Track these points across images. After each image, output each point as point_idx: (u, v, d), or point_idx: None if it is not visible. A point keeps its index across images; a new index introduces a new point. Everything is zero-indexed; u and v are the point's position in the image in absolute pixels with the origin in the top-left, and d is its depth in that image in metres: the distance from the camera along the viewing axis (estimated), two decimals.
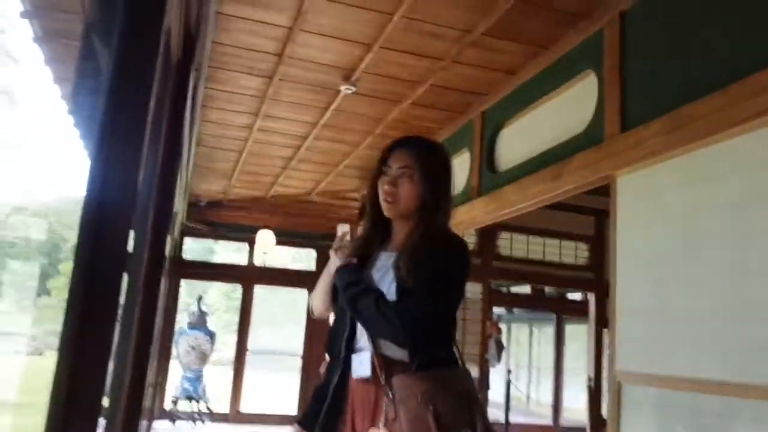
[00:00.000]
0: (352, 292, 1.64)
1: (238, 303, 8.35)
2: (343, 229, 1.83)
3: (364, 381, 1.60)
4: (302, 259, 9.26)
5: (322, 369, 2.16)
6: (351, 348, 1.67)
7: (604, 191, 2.81)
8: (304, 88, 4.19)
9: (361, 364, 1.61)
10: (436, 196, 1.69)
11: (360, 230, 1.83)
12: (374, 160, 1.80)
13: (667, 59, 2.52)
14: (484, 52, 3.53)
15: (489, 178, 3.95)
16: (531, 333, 12.63)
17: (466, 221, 4.12)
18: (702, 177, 2.26)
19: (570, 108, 3.23)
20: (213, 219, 7.84)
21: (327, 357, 2.05)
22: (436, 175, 1.71)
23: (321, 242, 8.17)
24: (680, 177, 2.36)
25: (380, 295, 1.59)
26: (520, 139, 3.73)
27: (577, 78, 3.20)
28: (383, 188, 1.69)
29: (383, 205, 1.70)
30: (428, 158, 1.72)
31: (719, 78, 2.21)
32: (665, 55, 2.54)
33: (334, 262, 1.75)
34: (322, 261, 7.84)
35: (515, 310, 11.53)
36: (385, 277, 1.66)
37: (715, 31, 2.30)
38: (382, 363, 1.58)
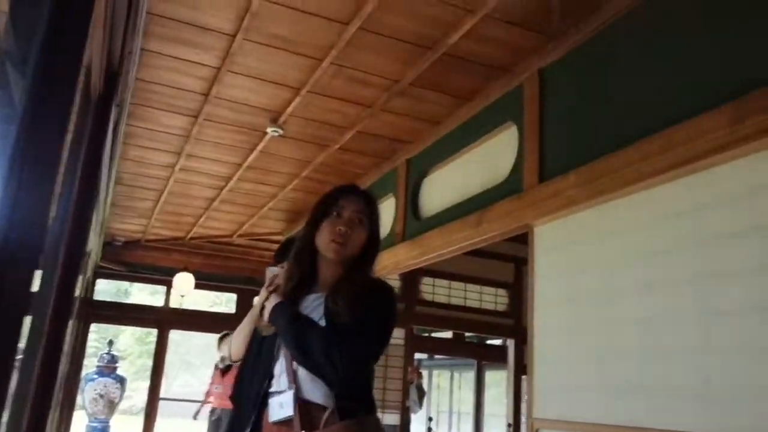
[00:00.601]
0: (298, 325, 1.60)
1: (152, 347, 8.00)
2: (273, 271, 1.82)
3: (282, 424, 1.56)
4: (222, 302, 9.01)
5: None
6: (266, 392, 1.63)
7: (524, 239, 2.89)
8: (229, 128, 4.15)
9: (282, 407, 1.57)
10: (376, 244, 1.78)
11: (285, 271, 1.81)
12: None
13: (583, 115, 2.66)
14: (411, 102, 3.61)
15: (413, 223, 4.00)
16: (452, 378, 12.69)
17: (390, 266, 4.14)
18: (614, 227, 2.37)
19: (492, 158, 3.34)
20: (129, 259, 7.55)
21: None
22: (378, 225, 1.80)
23: (242, 285, 8.01)
24: (595, 227, 2.47)
25: (327, 330, 1.58)
26: (444, 187, 3.81)
27: (498, 129, 3.32)
28: (337, 230, 1.69)
29: (331, 246, 1.69)
30: (375, 208, 1.81)
31: (632, 133, 2.34)
32: (581, 110, 2.68)
33: (271, 301, 1.71)
34: (243, 304, 7.66)
35: (436, 356, 11.58)
36: (312, 316, 1.64)
37: (627, 90, 2.44)
38: (303, 406, 1.55)
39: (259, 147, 4.40)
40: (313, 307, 1.66)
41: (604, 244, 2.40)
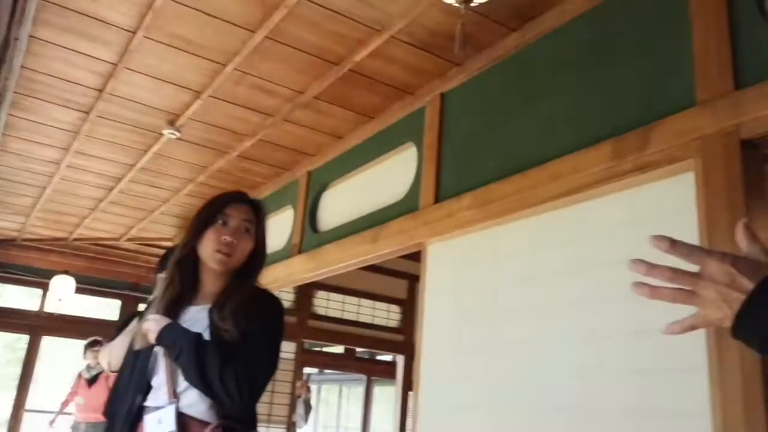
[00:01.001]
0: (197, 347, 1.50)
1: (22, 355, 7.44)
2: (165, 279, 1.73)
3: None
4: (104, 308, 8.55)
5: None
6: (141, 407, 1.56)
7: (418, 257, 2.95)
8: (123, 127, 3.97)
9: (161, 422, 1.50)
10: (263, 255, 1.73)
11: (164, 281, 1.74)
12: (194, 209, 1.76)
13: (480, 140, 2.76)
14: (314, 114, 3.61)
15: (311, 236, 3.99)
16: (341, 394, 12.67)
17: (284, 278, 4.10)
18: (503, 250, 2.47)
19: (391, 176, 3.40)
20: (2, 259, 7.01)
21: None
22: (264, 233, 1.75)
23: (127, 291, 7.64)
24: (484, 249, 2.56)
25: (223, 356, 1.50)
26: (343, 201, 3.83)
27: (399, 148, 3.38)
28: (223, 239, 1.62)
29: (216, 256, 1.63)
30: (263, 217, 1.76)
31: (523, 162, 2.46)
32: (478, 136, 2.78)
33: (154, 322, 1.58)
34: (127, 311, 7.29)
35: (326, 370, 11.53)
36: (194, 329, 1.58)
37: (521, 120, 2.57)
38: (184, 422, 1.50)
39: (154, 149, 4.24)
40: (196, 319, 1.60)
41: (492, 266, 2.50)
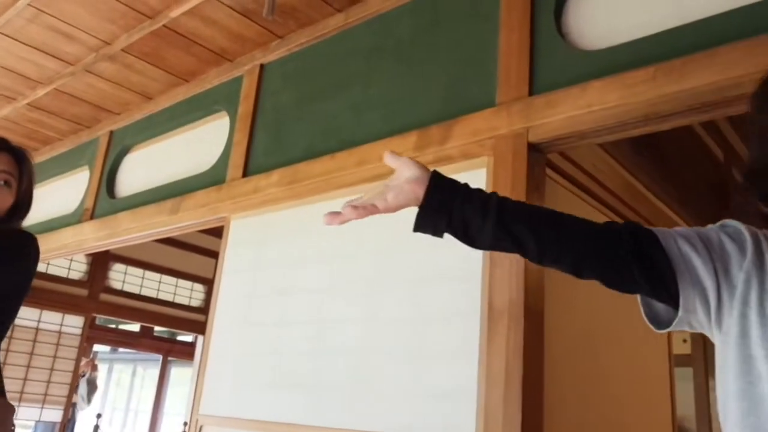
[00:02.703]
0: None
1: None
2: None
3: None
4: None
5: None
6: None
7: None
8: None
9: None
10: (27, 208, 1.64)
11: None
12: None
13: (294, 118, 2.71)
14: (121, 69, 3.32)
15: (106, 202, 3.67)
16: (134, 374, 11.98)
17: (73, 244, 3.74)
18: (303, 230, 2.44)
19: (200, 145, 3.23)
20: None
21: None
22: (30, 185, 1.64)
23: None
24: (286, 228, 2.51)
25: None
26: (146, 167, 3.58)
27: (212, 117, 3.22)
28: None
29: None
30: (28, 167, 1.64)
31: (333, 144, 2.45)
32: (293, 113, 2.73)
33: None
34: None
35: (120, 348, 10.84)
36: None
37: (335, 102, 2.55)
38: None
39: None
40: None
41: (290, 245, 2.46)
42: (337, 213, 0.99)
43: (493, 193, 0.98)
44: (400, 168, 0.99)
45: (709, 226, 0.96)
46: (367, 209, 0.97)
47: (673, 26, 1.68)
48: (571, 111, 1.77)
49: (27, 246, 1.61)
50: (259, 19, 2.78)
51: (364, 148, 2.31)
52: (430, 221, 0.94)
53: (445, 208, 0.93)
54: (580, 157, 2.30)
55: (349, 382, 2.07)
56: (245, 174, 2.78)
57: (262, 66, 2.97)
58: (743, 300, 0.86)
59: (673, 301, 0.90)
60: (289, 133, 2.71)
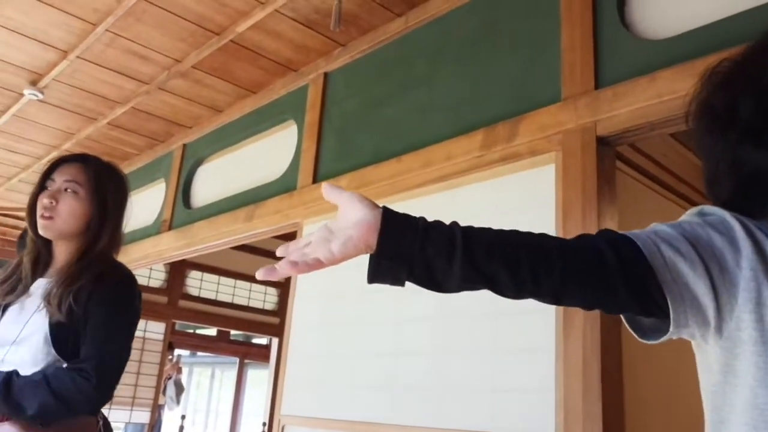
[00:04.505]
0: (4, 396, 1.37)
1: None
2: None
3: None
4: None
5: None
6: None
7: (295, 238, 2.92)
8: None
9: None
10: (103, 217, 1.58)
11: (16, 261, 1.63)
12: None
13: (359, 123, 2.77)
14: (192, 85, 3.47)
15: (183, 212, 3.84)
16: (213, 377, 12.39)
17: (153, 255, 3.92)
18: None
19: (270, 153, 3.34)
20: None
21: None
22: (107, 195, 1.61)
23: None
24: None
25: (48, 375, 1.38)
26: (219, 177, 3.72)
27: (280, 126, 3.33)
28: (41, 202, 1.53)
29: (39, 222, 1.53)
30: (100, 176, 1.61)
31: (399, 147, 2.49)
32: (358, 118, 2.79)
33: None
34: None
35: (199, 352, 11.23)
36: (28, 308, 1.47)
37: (399, 106, 2.60)
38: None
39: (13, 110, 3.91)
40: (37, 295, 1.50)
41: None
42: (272, 269, 0.83)
43: (454, 225, 0.84)
44: (344, 206, 0.84)
45: (689, 215, 0.87)
46: (309, 264, 0.82)
47: (742, 9, 1.64)
48: (639, 102, 1.76)
49: (134, 297, 1.60)
50: (321, 29, 2.86)
51: (430, 150, 2.34)
52: (387, 272, 0.81)
53: (404, 256, 0.79)
54: (651, 148, 2.26)
55: (428, 380, 2.11)
56: (315, 180, 2.86)
57: (326, 74, 3.05)
58: (756, 301, 0.75)
59: (663, 314, 0.79)
60: (356, 138, 2.77)
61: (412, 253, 0.79)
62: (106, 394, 1.42)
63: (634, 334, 0.87)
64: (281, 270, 0.82)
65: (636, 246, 0.79)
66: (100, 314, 1.46)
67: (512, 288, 0.81)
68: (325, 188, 0.87)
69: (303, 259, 0.83)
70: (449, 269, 0.79)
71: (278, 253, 0.86)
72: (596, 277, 0.78)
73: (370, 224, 0.80)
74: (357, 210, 0.82)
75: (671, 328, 0.79)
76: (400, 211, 0.85)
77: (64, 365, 1.42)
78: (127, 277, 1.61)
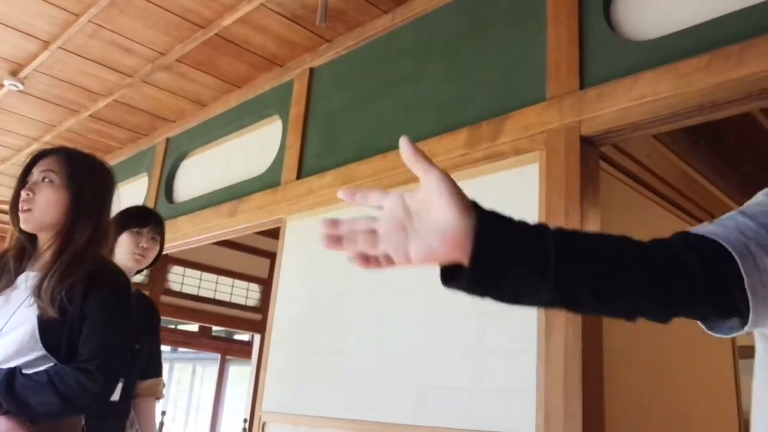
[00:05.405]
0: (7, 392, 1.35)
1: None
2: None
3: None
4: None
5: None
6: None
7: (279, 234, 2.90)
8: None
9: None
10: (79, 204, 1.54)
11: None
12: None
13: (345, 119, 2.76)
14: (176, 78, 3.44)
15: (165, 207, 3.80)
16: (194, 373, 12.31)
17: None
18: None
19: (254, 149, 3.31)
20: None
21: None
22: (82, 182, 1.57)
23: None
24: None
25: (52, 375, 1.37)
26: (202, 172, 3.69)
27: (264, 121, 3.30)
28: (21, 197, 1.52)
29: (20, 216, 1.51)
30: (75, 163, 1.58)
31: (384, 144, 2.49)
32: (343, 115, 2.78)
33: None
34: None
35: (180, 348, 11.15)
36: (13, 300, 1.46)
37: (384, 102, 2.59)
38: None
39: None
40: (23, 289, 1.48)
41: None
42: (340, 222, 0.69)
43: (550, 243, 0.69)
44: (430, 190, 0.67)
45: (759, 198, 0.81)
46: (379, 264, 0.70)
47: (727, 12, 1.65)
48: (623, 103, 1.76)
49: (130, 296, 1.58)
50: (307, 24, 2.84)
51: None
52: (472, 290, 0.69)
53: (496, 279, 0.67)
54: (634, 149, 2.28)
55: (408, 378, 2.10)
56: (299, 176, 2.84)
57: (311, 70, 3.03)
58: None
59: (740, 314, 0.73)
60: (341, 134, 2.76)
61: (506, 275, 0.67)
62: (108, 395, 1.42)
63: (702, 326, 0.79)
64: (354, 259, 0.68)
65: (728, 253, 0.71)
66: (99, 315, 1.45)
67: (592, 311, 0.72)
68: (407, 150, 0.67)
69: (373, 253, 0.68)
70: (539, 290, 0.67)
71: (342, 196, 0.73)
72: (681, 296, 0.70)
73: (459, 241, 0.64)
74: (444, 207, 0.64)
75: (747, 328, 0.73)
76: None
77: (55, 362, 1.41)
78: (122, 275, 1.60)
